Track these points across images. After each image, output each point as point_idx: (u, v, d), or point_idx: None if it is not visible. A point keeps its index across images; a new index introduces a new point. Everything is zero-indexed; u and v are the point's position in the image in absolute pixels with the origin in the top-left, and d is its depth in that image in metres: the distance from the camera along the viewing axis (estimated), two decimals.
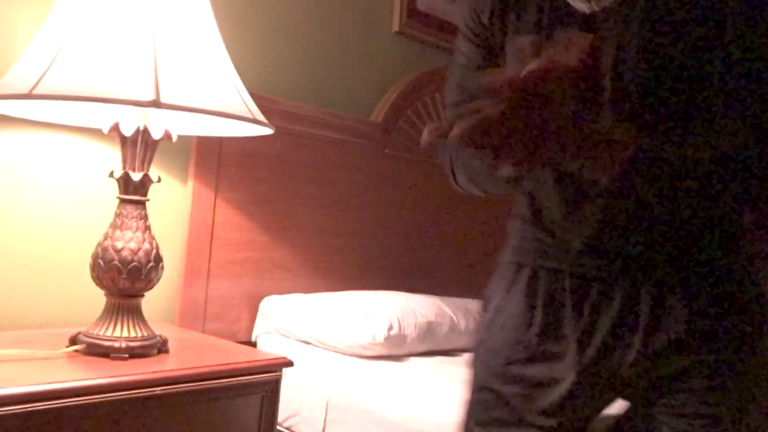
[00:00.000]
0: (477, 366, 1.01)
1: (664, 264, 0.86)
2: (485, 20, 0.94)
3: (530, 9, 0.90)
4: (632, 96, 0.81)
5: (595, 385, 0.89)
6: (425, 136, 0.63)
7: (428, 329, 1.78)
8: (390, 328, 1.68)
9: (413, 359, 1.73)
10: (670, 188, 0.82)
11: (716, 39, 0.80)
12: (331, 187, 2.02)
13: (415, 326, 1.75)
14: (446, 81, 1.04)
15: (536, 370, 0.91)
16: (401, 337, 1.70)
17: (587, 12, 0.84)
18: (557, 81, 0.60)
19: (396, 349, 1.71)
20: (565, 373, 0.89)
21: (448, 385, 1.50)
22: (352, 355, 1.69)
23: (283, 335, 1.79)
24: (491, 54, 0.96)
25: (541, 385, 0.91)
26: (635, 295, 0.87)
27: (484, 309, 1.05)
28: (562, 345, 0.90)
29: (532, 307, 0.94)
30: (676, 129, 0.82)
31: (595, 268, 0.89)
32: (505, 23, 0.92)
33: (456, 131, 0.59)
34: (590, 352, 0.88)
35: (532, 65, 0.59)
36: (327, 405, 1.57)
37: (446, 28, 2.41)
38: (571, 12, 0.86)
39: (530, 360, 0.92)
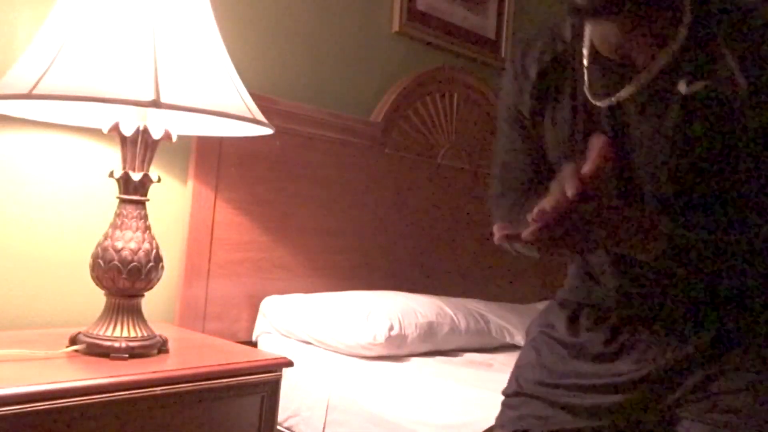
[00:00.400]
0: (520, 384, 1.11)
1: (686, 318, 0.99)
2: (526, 112, 1.07)
3: (564, 103, 1.02)
4: (664, 185, 0.94)
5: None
6: (496, 237, 0.81)
7: (429, 329, 1.77)
8: (391, 329, 1.68)
9: (414, 360, 1.73)
10: (701, 264, 0.92)
11: (734, 129, 0.90)
12: (331, 187, 2.02)
13: (416, 326, 1.74)
14: (492, 161, 1.19)
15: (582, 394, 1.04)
16: (402, 338, 1.70)
17: (606, 107, 0.97)
18: (598, 181, 0.75)
19: (397, 350, 1.70)
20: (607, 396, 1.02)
21: (448, 386, 1.50)
22: (352, 355, 1.68)
23: (284, 335, 1.79)
24: (530, 137, 1.09)
25: (588, 393, 1.03)
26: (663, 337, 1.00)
27: (529, 338, 1.17)
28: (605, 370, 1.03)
29: (576, 338, 1.08)
30: (707, 215, 0.93)
31: (632, 314, 1.03)
32: (543, 114, 1.06)
33: (527, 236, 0.78)
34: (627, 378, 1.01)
35: (581, 174, 0.75)
36: (327, 405, 1.56)
37: (446, 28, 2.41)
38: (586, 104, 0.99)
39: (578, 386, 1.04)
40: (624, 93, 0.95)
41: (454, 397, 1.43)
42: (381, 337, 1.65)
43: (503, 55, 2.64)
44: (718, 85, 0.90)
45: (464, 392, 1.45)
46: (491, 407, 1.30)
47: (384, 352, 1.68)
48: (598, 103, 0.97)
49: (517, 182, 1.11)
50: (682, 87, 0.91)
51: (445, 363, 1.74)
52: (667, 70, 0.93)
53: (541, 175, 1.08)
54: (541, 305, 2.51)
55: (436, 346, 1.82)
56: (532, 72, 1.06)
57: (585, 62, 1.01)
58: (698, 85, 0.91)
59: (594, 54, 1.00)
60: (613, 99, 0.96)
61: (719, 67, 0.90)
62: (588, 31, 1.04)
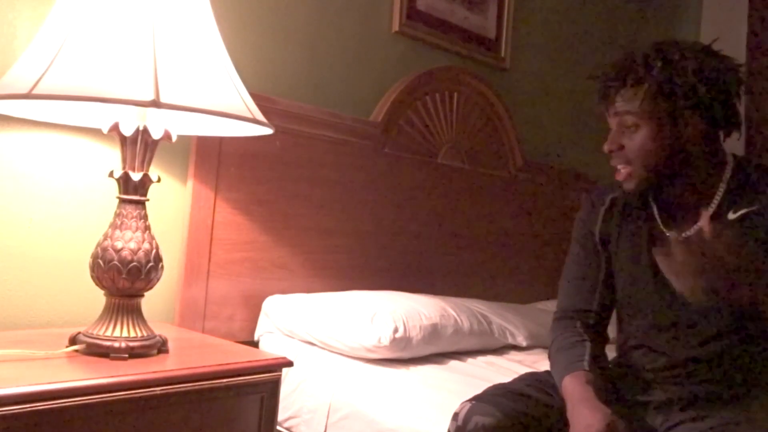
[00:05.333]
0: None
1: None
2: (596, 239, 1.36)
3: (626, 235, 1.32)
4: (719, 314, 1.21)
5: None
6: None
7: (433, 331, 1.75)
8: (395, 331, 1.65)
9: (418, 366, 1.70)
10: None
11: None
12: (331, 186, 2.02)
13: (420, 328, 1.72)
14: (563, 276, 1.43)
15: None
16: (406, 340, 1.68)
17: (674, 238, 1.18)
18: None
19: (401, 352, 1.68)
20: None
21: (453, 396, 1.47)
22: (355, 357, 1.67)
23: (287, 335, 1.78)
24: (597, 256, 1.36)
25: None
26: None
27: None
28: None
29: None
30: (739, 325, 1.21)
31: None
32: (609, 240, 1.35)
33: None
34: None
35: None
36: (329, 409, 1.55)
37: (446, 28, 2.41)
38: (663, 238, 1.25)
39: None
40: (695, 226, 1.23)
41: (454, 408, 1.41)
42: (386, 340, 1.63)
43: (503, 55, 2.64)
44: (761, 209, 1.19)
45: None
46: None
47: (388, 354, 1.66)
48: (670, 234, 1.25)
49: (581, 295, 1.36)
50: (730, 215, 1.21)
51: (449, 370, 1.71)
52: (723, 203, 1.22)
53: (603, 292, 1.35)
54: (541, 305, 2.51)
55: (440, 348, 1.81)
56: (606, 202, 1.36)
57: (653, 204, 1.30)
58: (743, 211, 1.20)
59: (659, 199, 1.30)
60: (689, 232, 1.23)
61: (760, 198, 1.20)
62: None
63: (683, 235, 1.24)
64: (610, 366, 1.36)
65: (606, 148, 1.29)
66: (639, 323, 1.31)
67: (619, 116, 1.24)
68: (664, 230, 1.27)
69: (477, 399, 1.19)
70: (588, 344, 1.27)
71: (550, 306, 2.47)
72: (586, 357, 1.24)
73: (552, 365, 1.30)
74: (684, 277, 1.20)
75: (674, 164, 1.21)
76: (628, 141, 1.23)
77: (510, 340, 2.02)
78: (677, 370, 1.26)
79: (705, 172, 1.24)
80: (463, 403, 1.19)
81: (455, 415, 1.18)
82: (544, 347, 2.07)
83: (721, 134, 1.24)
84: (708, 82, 1.17)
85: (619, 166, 1.26)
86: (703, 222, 1.17)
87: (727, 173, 1.24)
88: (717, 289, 1.16)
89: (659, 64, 1.17)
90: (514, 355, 1.96)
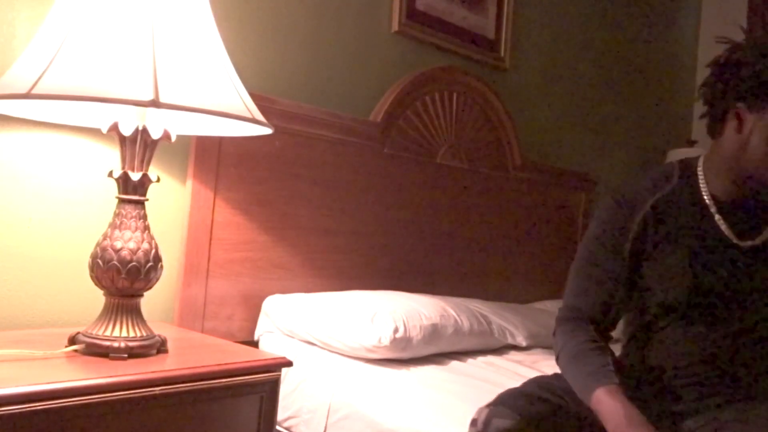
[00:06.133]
0: None
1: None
2: (626, 248, 1.27)
3: (674, 240, 1.25)
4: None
5: None
6: None
7: (433, 331, 1.75)
8: (396, 331, 1.65)
9: (418, 366, 1.70)
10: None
11: None
12: (330, 186, 2.02)
13: (421, 329, 1.72)
14: (574, 277, 1.34)
15: None
16: (407, 340, 1.67)
17: (737, 244, 1.23)
18: None
19: (401, 352, 1.68)
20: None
21: (453, 398, 1.48)
22: (356, 357, 1.67)
23: (287, 335, 1.78)
24: (622, 264, 1.27)
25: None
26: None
27: None
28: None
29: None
30: None
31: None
32: (644, 249, 1.27)
33: None
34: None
35: None
36: (329, 410, 1.55)
37: (445, 28, 2.41)
38: (727, 243, 1.23)
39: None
40: (764, 234, 1.23)
41: (458, 411, 1.41)
42: (386, 340, 1.63)
43: (502, 55, 2.64)
44: None
45: (466, 409, 1.42)
46: None
47: (388, 354, 1.66)
48: (742, 243, 1.23)
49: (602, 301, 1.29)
50: None
51: (449, 371, 1.71)
52: None
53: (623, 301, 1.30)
54: (541, 305, 2.52)
55: (440, 348, 1.80)
56: (646, 205, 1.27)
57: (713, 209, 1.26)
58: None
59: (715, 199, 1.26)
60: (756, 239, 1.23)
61: None
62: (704, 184, 1.28)
63: (758, 241, 1.24)
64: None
65: None
66: (682, 337, 1.26)
67: None
68: (729, 236, 1.24)
69: (494, 404, 1.17)
70: (607, 351, 1.22)
71: (550, 306, 2.47)
72: (611, 366, 1.18)
73: (569, 371, 1.24)
74: (744, 285, 1.22)
75: None
76: None
77: (510, 340, 2.02)
78: (709, 372, 1.24)
79: None
80: (480, 408, 1.17)
81: (474, 422, 1.16)
82: (543, 347, 2.07)
83: None
84: None
85: None
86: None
87: None
88: None
89: None
90: (513, 355, 1.96)
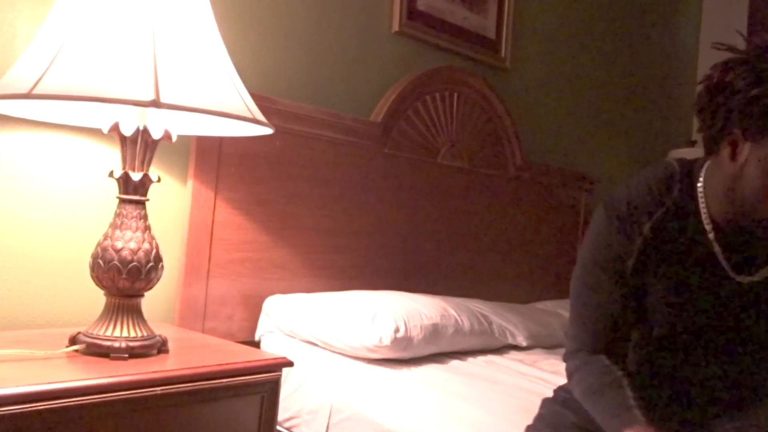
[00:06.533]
0: None
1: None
2: (628, 267, 1.15)
3: (683, 268, 1.13)
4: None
5: None
6: None
7: (434, 331, 1.75)
8: (396, 331, 1.65)
9: (419, 367, 1.70)
10: None
11: None
12: (331, 186, 2.02)
13: (421, 328, 1.72)
14: (576, 304, 1.22)
15: None
16: (407, 340, 1.67)
17: (734, 279, 1.12)
18: None
19: (402, 352, 1.68)
20: None
21: (454, 398, 1.47)
22: (356, 357, 1.67)
23: (288, 335, 1.78)
24: (628, 289, 1.15)
25: None
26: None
27: None
28: None
29: None
30: None
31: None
32: (646, 269, 1.15)
33: None
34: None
35: None
36: (330, 411, 1.55)
37: (446, 28, 2.41)
38: (724, 277, 1.12)
39: None
40: (764, 271, 1.12)
41: (460, 412, 1.41)
42: (387, 339, 1.63)
43: (503, 55, 2.64)
44: None
45: (467, 410, 1.42)
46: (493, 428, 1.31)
47: (389, 354, 1.66)
48: (741, 280, 1.12)
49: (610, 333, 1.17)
50: None
51: (451, 371, 1.71)
52: None
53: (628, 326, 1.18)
54: (541, 305, 2.51)
55: (441, 348, 1.80)
56: (645, 229, 1.13)
57: (711, 236, 1.13)
58: None
59: (715, 225, 1.13)
60: (755, 275, 1.12)
61: None
62: (703, 203, 1.14)
63: (749, 278, 1.13)
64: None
65: None
66: (663, 365, 1.20)
67: None
68: (727, 267, 1.13)
69: None
70: (626, 383, 1.12)
71: (550, 306, 2.47)
72: (632, 401, 1.08)
73: (592, 410, 1.14)
74: (739, 319, 1.15)
75: None
76: None
77: (510, 340, 2.02)
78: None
79: None
80: None
81: None
82: (543, 347, 2.07)
83: None
84: None
85: None
86: None
87: None
88: None
89: None
90: (514, 354, 1.96)
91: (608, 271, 1.15)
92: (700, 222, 1.13)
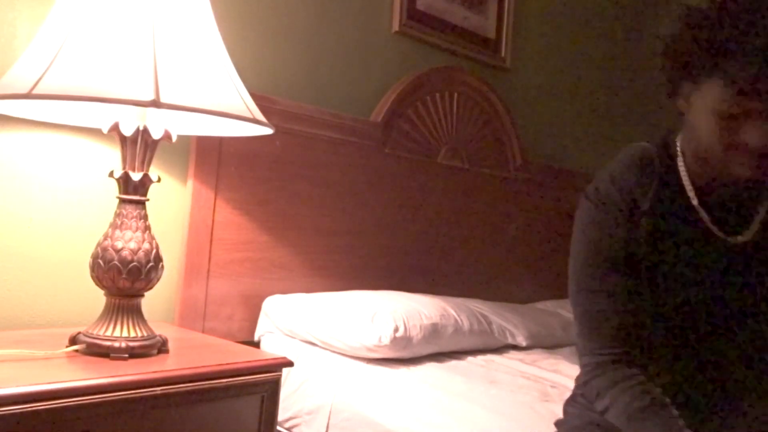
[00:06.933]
0: None
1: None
2: (623, 245, 1.09)
3: (679, 239, 1.10)
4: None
5: None
6: None
7: (433, 331, 1.75)
8: (396, 330, 1.65)
9: (419, 366, 1.70)
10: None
11: None
12: (331, 186, 2.02)
13: (421, 328, 1.72)
14: (577, 297, 1.14)
15: None
16: (407, 339, 1.67)
17: (728, 242, 1.09)
18: None
19: (401, 352, 1.68)
20: None
21: (454, 398, 1.47)
22: (356, 357, 1.67)
23: (287, 335, 1.78)
24: (638, 278, 1.09)
25: None
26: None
27: None
28: None
29: None
30: None
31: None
32: (638, 247, 1.09)
33: None
34: None
35: None
36: (330, 411, 1.55)
37: (446, 27, 2.41)
38: (713, 241, 1.09)
39: None
40: (751, 230, 1.10)
41: (460, 412, 1.41)
42: (386, 339, 1.63)
43: (503, 55, 2.64)
44: None
45: (467, 409, 1.42)
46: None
47: (389, 354, 1.66)
48: (731, 240, 1.09)
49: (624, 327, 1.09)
50: None
51: (451, 371, 1.71)
52: None
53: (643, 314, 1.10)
54: (541, 305, 2.51)
55: (440, 348, 1.80)
56: (644, 204, 1.09)
57: (695, 202, 1.10)
58: None
59: (696, 189, 1.10)
60: (742, 236, 1.10)
61: None
62: (683, 170, 1.12)
63: (738, 239, 1.10)
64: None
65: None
66: (665, 342, 1.14)
67: None
68: (716, 232, 1.09)
69: None
70: (668, 402, 1.04)
71: (550, 306, 2.47)
72: (675, 413, 1.02)
73: (635, 425, 1.03)
74: (740, 284, 1.11)
75: None
76: None
77: (510, 340, 2.02)
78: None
79: None
80: None
81: None
82: (543, 347, 2.07)
83: None
84: None
85: (762, 166, 1.00)
86: (761, 225, 1.09)
87: None
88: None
89: None
90: (514, 354, 1.96)
91: (613, 262, 1.08)
92: (684, 191, 1.10)
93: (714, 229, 1.09)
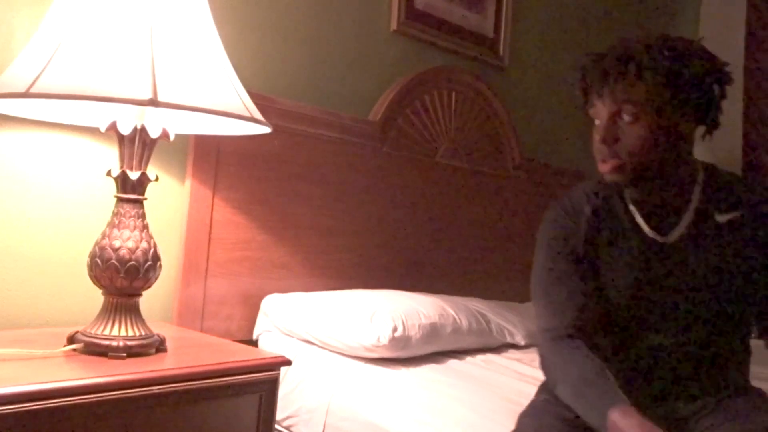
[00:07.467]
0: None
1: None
2: (580, 251, 1.28)
3: (612, 241, 1.27)
4: (702, 296, 1.22)
5: None
6: None
7: (432, 330, 1.75)
8: (395, 330, 1.65)
9: (417, 366, 1.69)
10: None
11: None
12: (329, 186, 2.02)
13: (419, 327, 1.72)
14: (536, 287, 1.34)
15: None
16: (405, 339, 1.67)
17: (670, 242, 1.23)
18: None
19: (400, 351, 1.67)
20: None
21: (452, 401, 1.47)
22: (354, 357, 1.66)
23: (286, 334, 1.78)
24: (583, 268, 1.27)
25: None
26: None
27: None
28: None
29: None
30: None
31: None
32: (596, 250, 1.28)
33: None
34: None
35: None
36: (327, 410, 1.55)
37: (444, 27, 2.41)
38: (650, 242, 1.24)
39: None
40: (680, 228, 1.23)
41: (457, 413, 1.41)
42: (385, 339, 1.62)
43: (501, 54, 2.64)
44: (747, 211, 1.21)
45: (463, 414, 1.42)
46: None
47: (387, 353, 1.65)
48: (658, 238, 1.23)
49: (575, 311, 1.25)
50: (718, 217, 1.22)
51: (447, 371, 1.70)
52: (702, 204, 1.22)
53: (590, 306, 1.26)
54: None
55: (439, 347, 1.80)
56: (587, 209, 1.28)
57: (631, 207, 1.26)
58: (731, 215, 1.21)
59: (635, 201, 1.26)
60: (673, 234, 1.23)
61: (743, 203, 1.21)
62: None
63: (670, 237, 1.23)
64: None
65: (599, 139, 1.18)
66: (617, 336, 1.27)
67: (617, 105, 1.15)
68: (650, 233, 1.24)
69: None
70: (605, 367, 1.16)
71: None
72: (616, 383, 1.13)
73: (576, 401, 1.16)
74: (676, 278, 1.23)
75: (665, 161, 1.17)
76: (625, 133, 1.16)
77: (508, 339, 2.02)
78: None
79: (686, 173, 1.22)
80: None
81: None
82: None
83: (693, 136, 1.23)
84: (710, 77, 1.14)
85: (607, 159, 1.18)
86: (689, 224, 1.22)
87: (701, 176, 1.23)
88: (708, 285, 1.20)
89: (666, 53, 1.12)
90: (512, 353, 1.97)
91: (564, 253, 1.28)
92: (624, 199, 1.27)
93: (646, 229, 1.24)
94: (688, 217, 1.22)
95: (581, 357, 1.18)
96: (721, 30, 3.38)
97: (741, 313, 1.24)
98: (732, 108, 3.28)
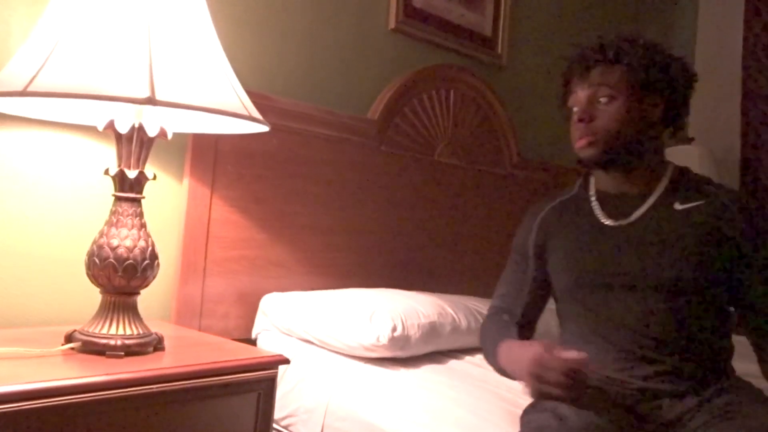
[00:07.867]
0: None
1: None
2: (530, 250, 1.45)
3: (565, 235, 1.40)
4: (663, 283, 1.26)
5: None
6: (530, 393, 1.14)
7: (431, 330, 1.75)
8: (394, 329, 1.64)
9: (416, 366, 1.69)
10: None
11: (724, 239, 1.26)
12: (328, 184, 2.02)
13: (419, 327, 1.71)
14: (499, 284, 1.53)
15: None
16: (405, 338, 1.66)
17: (622, 225, 1.32)
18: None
19: (399, 351, 1.67)
20: None
21: (450, 402, 1.47)
22: (353, 356, 1.66)
23: (284, 333, 1.78)
24: (528, 264, 1.46)
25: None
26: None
27: None
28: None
29: None
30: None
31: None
32: (545, 248, 1.44)
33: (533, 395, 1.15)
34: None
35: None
36: (326, 410, 1.54)
37: (443, 25, 2.41)
38: (604, 228, 1.35)
39: None
40: (637, 214, 1.32)
41: (457, 415, 1.41)
42: (384, 338, 1.62)
43: (499, 53, 2.64)
44: (707, 201, 1.28)
45: (461, 415, 1.41)
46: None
47: (386, 353, 1.65)
48: (611, 223, 1.33)
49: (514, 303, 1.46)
50: (677, 206, 1.30)
51: (446, 371, 1.70)
52: (664, 196, 1.31)
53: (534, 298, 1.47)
54: None
55: (438, 346, 1.80)
56: (541, 213, 1.46)
57: (592, 199, 1.39)
58: (690, 204, 1.29)
59: (599, 193, 1.40)
60: (629, 219, 1.32)
61: (705, 194, 1.30)
62: (593, 179, 1.43)
63: (625, 221, 1.33)
64: None
65: (577, 116, 1.34)
66: (584, 320, 1.34)
67: (594, 88, 1.32)
68: (604, 221, 1.35)
69: None
70: (515, 330, 1.37)
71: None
72: (515, 335, 1.34)
73: (485, 349, 1.39)
74: (628, 262, 1.29)
75: (634, 143, 1.30)
76: (600, 112, 1.31)
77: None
78: (630, 362, 1.28)
79: (654, 164, 1.34)
80: None
81: None
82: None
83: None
84: (677, 69, 1.31)
85: (582, 136, 1.33)
86: (647, 210, 1.30)
87: (669, 171, 1.35)
88: (662, 268, 1.25)
89: (641, 42, 1.31)
90: None
91: (519, 252, 1.48)
92: (588, 194, 1.41)
93: (600, 215, 1.36)
94: (647, 205, 1.32)
95: (500, 323, 1.41)
96: (719, 28, 3.39)
97: (704, 297, 1.27)
98: (731, 108, 3.30)
